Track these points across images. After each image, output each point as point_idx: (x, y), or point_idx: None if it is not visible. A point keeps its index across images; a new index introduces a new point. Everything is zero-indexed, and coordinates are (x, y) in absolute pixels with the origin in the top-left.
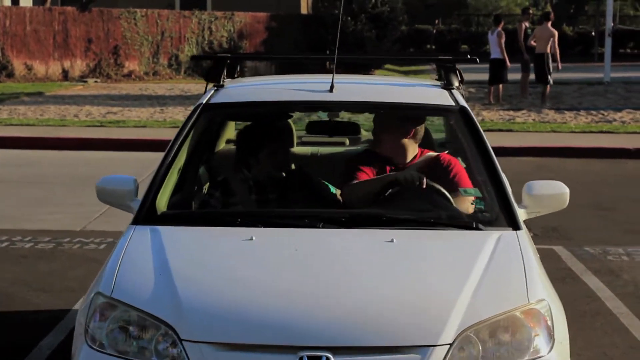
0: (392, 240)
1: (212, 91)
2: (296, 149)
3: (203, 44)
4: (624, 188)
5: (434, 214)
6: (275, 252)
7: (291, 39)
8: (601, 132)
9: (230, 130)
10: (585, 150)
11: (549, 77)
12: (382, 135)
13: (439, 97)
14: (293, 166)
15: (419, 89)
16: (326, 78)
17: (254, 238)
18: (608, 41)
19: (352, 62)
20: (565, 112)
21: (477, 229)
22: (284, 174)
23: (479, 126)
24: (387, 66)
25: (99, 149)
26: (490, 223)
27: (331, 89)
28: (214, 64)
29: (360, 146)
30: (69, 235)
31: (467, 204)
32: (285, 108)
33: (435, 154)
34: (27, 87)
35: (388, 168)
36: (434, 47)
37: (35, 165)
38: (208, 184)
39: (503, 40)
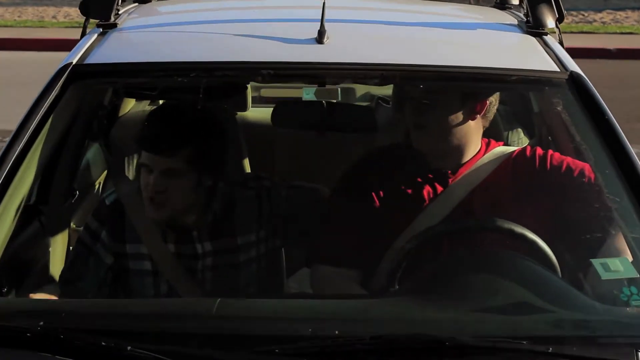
0: None
1: (95, 36)
2: (250, 114)
3: None
4: (604, 88)
5: (550, 324)
6: None
7: None
8: (581, 32)
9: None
10: (565, 50)
11: None
12: (418, 117)
13: (527, 51)
14: (248, 168)
15: (481, 34)
16: (304, 7)
17: None
18: None
19: None
20: None
21: None
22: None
23: (608, 110)
24: None
25: None
26: None
27: (320, 38)
28: None
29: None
30: None
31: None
32: (232, 76)
33: (514, 148)
34: None
35: (422, 181)
36: None
37: (13, 66)
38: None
39: None
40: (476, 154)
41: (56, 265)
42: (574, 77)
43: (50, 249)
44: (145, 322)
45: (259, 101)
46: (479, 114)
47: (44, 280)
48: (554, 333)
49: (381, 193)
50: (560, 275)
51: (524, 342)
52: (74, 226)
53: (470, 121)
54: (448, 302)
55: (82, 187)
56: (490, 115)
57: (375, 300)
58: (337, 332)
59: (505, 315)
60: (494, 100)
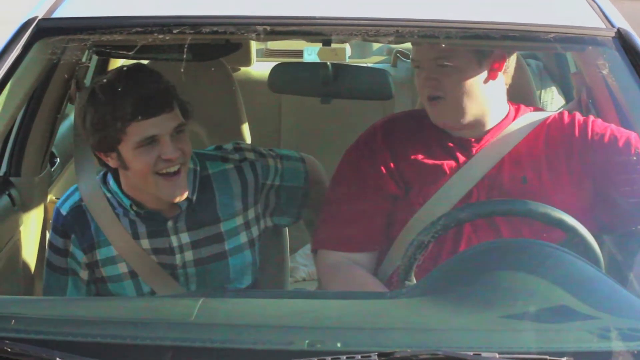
0: None
1: None
2: (255, 70)
3: None
4: None
5: (595, 334)
6: None
7: None
8: None
9: None
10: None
11: None
12: (433, 88)
13: (566, 4)
14: (247, 134)
15: None
16: None
17: None
18: None
19: None
20: None
21: None
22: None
23: None
24: None
25: None
26: None
27: None
28: None
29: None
30: None
31: None
32: (222, 33)
33: (548, 113)
34: None
35: (442, 152)
36: None
37: None
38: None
39: None
40: (503, 119)
41: (27, 244)
42: (621, 35)
43: (21, 228)
44: (107, 329)
45: (269, 54)
46: (499, 71)
47: (13, 265)
48: (599, 346)
49: (393, 166)
50: (604, 271)
51: None
52: (53, 197)
53: (490, 81)
54: (472, 305)
55: (65, 152)
56: (511, 70)
57: (387, 302)
58: (339, 344)
59: (540, 322)
60: (509, 62)
